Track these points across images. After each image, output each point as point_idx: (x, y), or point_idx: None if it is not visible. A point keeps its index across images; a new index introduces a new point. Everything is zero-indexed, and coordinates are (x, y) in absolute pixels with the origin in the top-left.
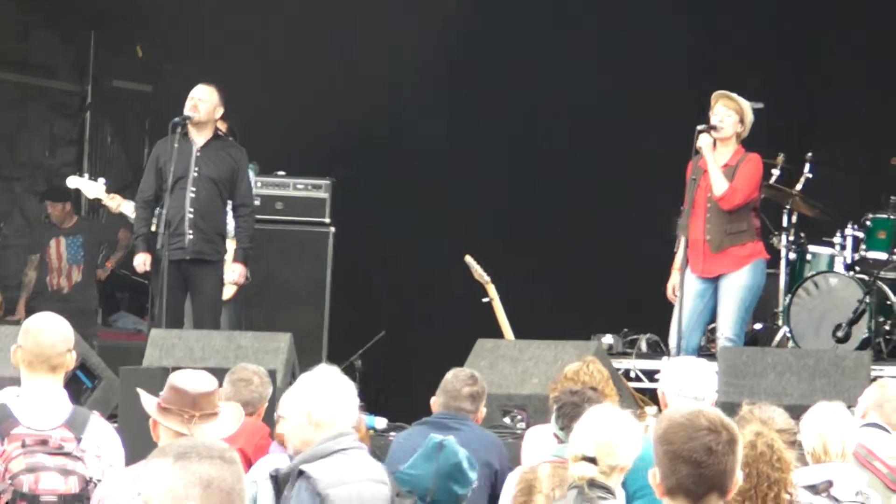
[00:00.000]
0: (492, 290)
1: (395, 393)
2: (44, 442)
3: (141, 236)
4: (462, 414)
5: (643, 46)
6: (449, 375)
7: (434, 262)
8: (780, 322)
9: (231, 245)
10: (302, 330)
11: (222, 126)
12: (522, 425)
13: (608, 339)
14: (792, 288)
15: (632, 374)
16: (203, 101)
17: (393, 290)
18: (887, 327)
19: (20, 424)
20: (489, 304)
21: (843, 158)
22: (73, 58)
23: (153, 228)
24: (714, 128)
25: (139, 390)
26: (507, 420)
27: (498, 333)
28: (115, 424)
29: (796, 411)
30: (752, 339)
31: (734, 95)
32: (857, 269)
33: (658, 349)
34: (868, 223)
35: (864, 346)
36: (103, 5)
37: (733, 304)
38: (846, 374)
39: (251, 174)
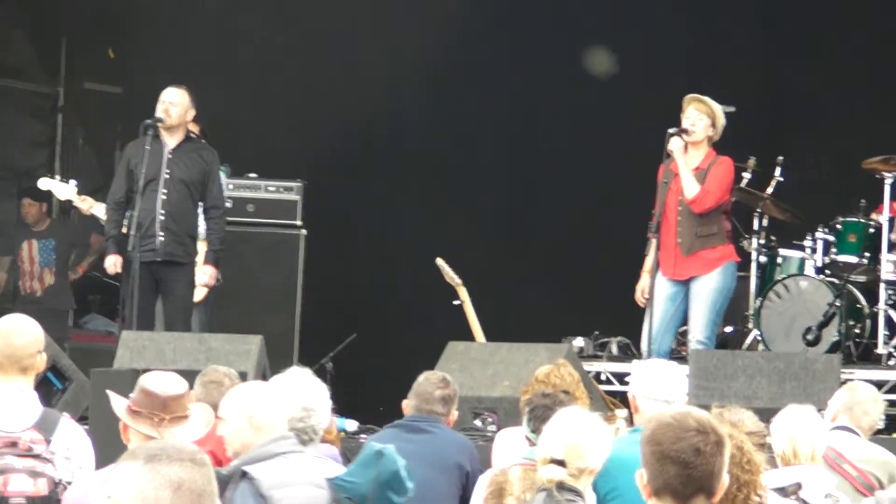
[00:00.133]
0: (463, 292)
1: (367, 395)
2: (13, 444)
3: (112, 238)
4: (434, 417)
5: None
6: (420, 378)
7: (405, 265)
8: (750, 325)
9: (202, 247)
10: (273, 332)
11: (194, 128)
12: (493, 428)
13: (579, 341)
14: (762, 291)
15: (602, 377)
16: (174, 105)
17: (364, 293)
18: (857, 330)
19: None
20: (460, 306)
21: (815, 162)
22: (45, 60)
23: (124, 230)
24: (685, 131)
25: (109, 393)
26: (477, 423)
27: (469, 336)
28: (86, 426)
29: (766, 414)
30: (722, 342)
31: (706, 99)
32: (828, 272)
33: (629, 352)
34: (838, 227)
35: (834, 349)
36: (74, 7)
37: (704, 307)
38: (816, 377)
39: (222, 176)
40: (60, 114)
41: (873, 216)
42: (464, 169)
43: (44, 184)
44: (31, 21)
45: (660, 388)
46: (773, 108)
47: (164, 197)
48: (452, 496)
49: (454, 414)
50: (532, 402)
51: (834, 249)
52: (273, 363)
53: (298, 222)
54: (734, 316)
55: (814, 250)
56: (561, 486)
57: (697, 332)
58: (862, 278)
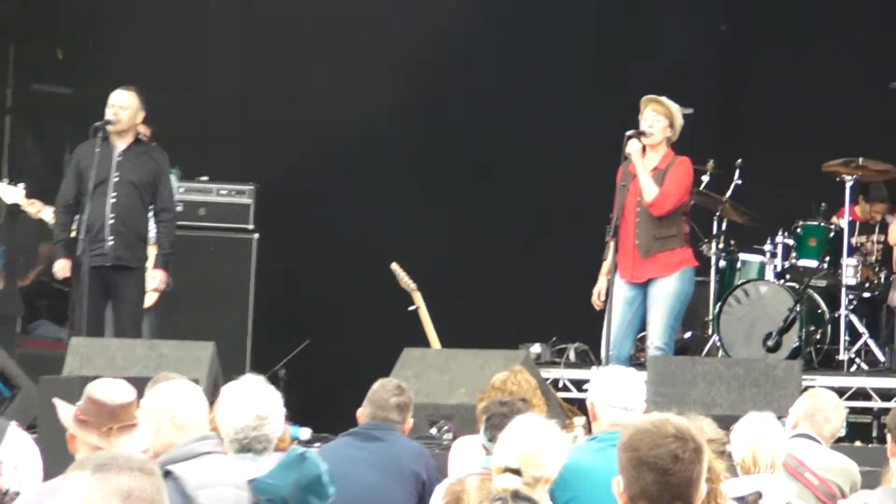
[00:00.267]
0: (418, 297)
1: (321, 403)
2: None
3: (61, 242)
4: (389, 424)
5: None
6: (375, 385)
7: (360, 269)
8: (709, 331)
9: (153, 251)
10: (225, 338)
11: (145, 129)
12: (449, 436)
13: (536, 348)
14: (722, 296)
15: (560, 384)
16: (123, 108)
17: (318, 298)
18: (818, 336)
19: None
20: (415, 312)
21: (774, 165)
22: None
23: (73, 234)
24: (643, 133)
25: (56, 401)
26: (433, 431)
27: (425, 342)
28: (35, 435)
29: (726, 421)
30: (681, 348)
31: (663, 99)
32: (788, 277)
33: (587, 358)
34: (799, 231)
35: (794, 355)
36: (22, 8)
37: (662, 312)
38: (777, 383)
39: (173, 179)
40: (8, 116)
41: (834, 220)
42: (420, 171)
43: None
44: None
45: (618, 395)
46: (731, 110)
47: (114, 200)
48: None
49: (410, 422)
50: (489, 410)
51: (794, 254)
52: (225, 370)
53: (251, 226)
54: (693, 321)
55: (774, 255)
56: (516, 496)
57: (656, 337)
58: (822, 283)
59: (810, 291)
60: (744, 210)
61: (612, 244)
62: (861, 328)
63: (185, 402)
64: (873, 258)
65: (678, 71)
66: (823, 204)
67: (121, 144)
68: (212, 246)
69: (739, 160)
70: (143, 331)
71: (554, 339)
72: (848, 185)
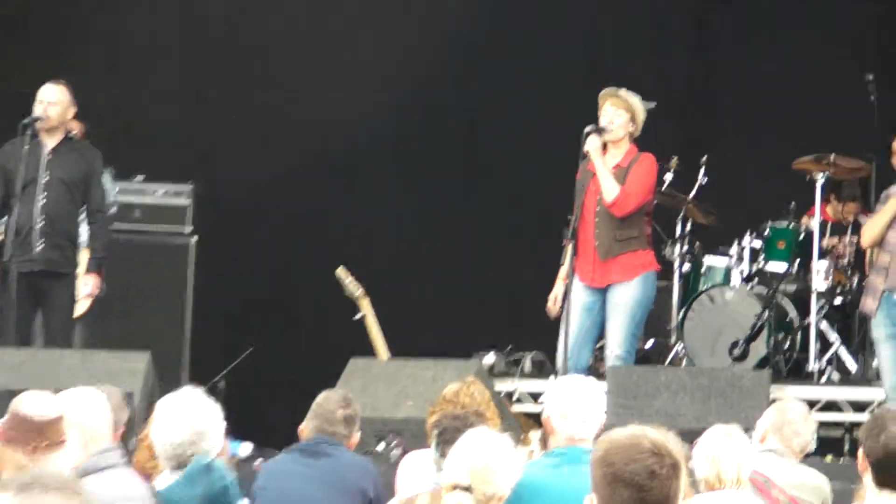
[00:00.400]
0: (366, 304)
1: (263, 416)
2: None
3: None
4: (335, 439)
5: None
6: (320, 398)
7: (304, 274)
8: (673, 339)
9: (85, 255)
10: (161, 348)
11: (76, 126)
12: (398, 451)
13: (490, 357)
14: (686, 302)
15: (515, 396)
16: (53, 104)
17: (261, 305)
18: (787, 344)
19: None
20: (362, 320)
21: (741, 162)
22: None
23: (0, 237)
24: (603, 129)
25: None
26: (381, 446)
27: (372, 352)
28: None
29: (690, 435)
30: (643, 357)
31: (624, 93)
32: (756, 281)
33: (544, 368)
34: (767, 232)
35: (762, 364)
36: None
37: (622, 319)
38: (743, 394)
39: (107, 179)
40: None
41: (804, 221)
42: (366, 173)
43: None
44: None
45: (576, 407)
46: (696, 104)
47: (44, 201)
48: None
49: (356, 436)
50: (441, 424)
51: (762, 257)
52: (161, 381)
53: (189, 228)
54: (655, 329)
55: (740, 258)
56: None
57: (616, 346)
58: (792, 288)
59: (779, 297)
60: (709, 210)
61: (569, 247)
62: (832, 336)
63: (91, 414)
64: (845, 261)
65: (641, 63)
66: (793, 204)
67: (50, 142)
68: (147, 249)
69: (704, 157)
70: (75, 341)
71: (509, 348)
72: (819, 183)
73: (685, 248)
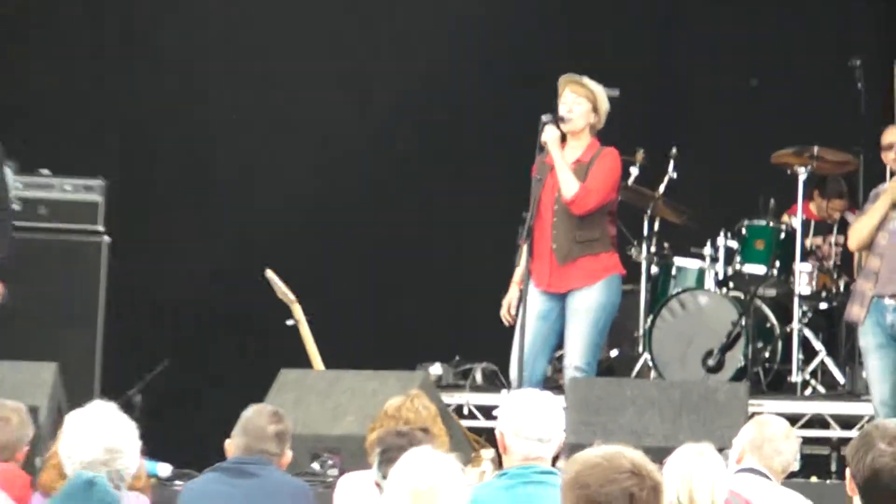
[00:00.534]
0: (298, 310)
1: (183, 434)
2: None
3: None
4: (264, 458)
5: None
6: (248, 412)
7: (229, 277)
8: (640, 348)
9: None
10: (70, 358)
11: None
12: (334, 472)
13: (437, 368)
14: (654, 308)
15: (465, 411)
16: None
17: (180, 310)
18: (767, 354)
19: None
20: (295, 327)
21: (715, 154)
22: None
23: None
24: (561, 118)
25: None
26: (315, 465)
27: (305, 362)
28: None
29: (659, 454)
30: (606, 369)
31: (584, 80)
32: (731, 285)
33: (496, 381)
34: (744, 231)
35: (739, 376)
36: None
37: (583, 326)
38: (718, 409)
39: (8, 173)
40: None
41: (785, 219)
42: (296, 166)
43: None
44: None
45: (530, 423)
46: (664, 90)
47: None
48: None
49: (288, 454)
50: (384, 442)
51: (738, 258)
52: (70, 395)
53: (100, 227)
54: (620, 337)
55: (715, 259)
56: None
57: (576, 356)
58: (772, 292)
59: (758, 302)
60: (679, 207)
61: (525, 248)
62: (817, 345)
63: None
64: (831, 263)
65: (601, 43)
66: (772, 200)
67: None
68: (55, 250)
69: (674, 149)
70: None
71: (457, 358)
72: (801, 178)
73: (653, 248)
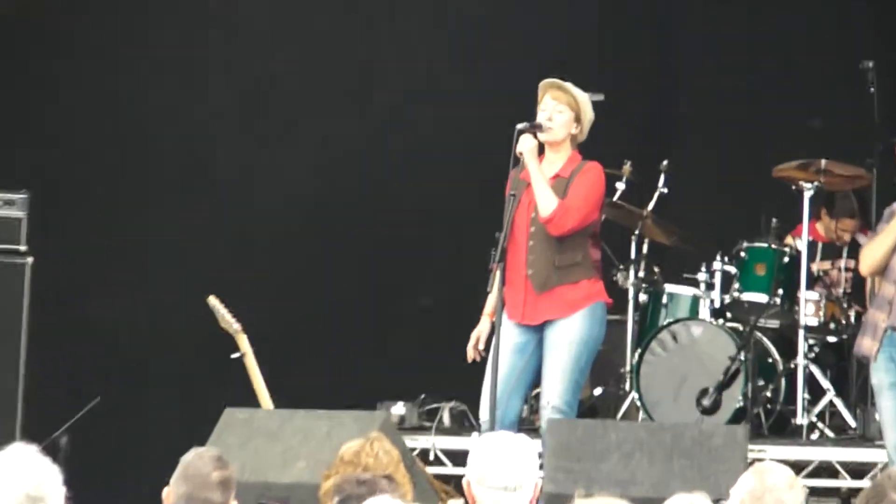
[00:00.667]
0: (243, 341)
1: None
2: None
3: None
4: None
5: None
6: (189, 456)
7: (168, 304)
8: (626, 386)
9: None
10: None
11: None
12: None
13: (399, 408)
14: (643, 341)
15: (431, 456)
16: None
17: (113, 342)
18: (768, 393)
19: None
20: (240, 360)
21: (711, 168)
22: None
23: None
24: (540, 127)
25: None
26: None
27: (252, 400)
28: None
29: None
30: (589, 409)
31: (567, 85)
32: (729, 315)
33: (465, 422)
34: (743, 255)
35: (737, 417)
36: None
37: (563, 362)
38: (714, 455)
39: None
40: None
41: (788, 241)
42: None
43: None
44: None
45: (497, 471)
46: (655, 97)
47: None
48: None
49: None
50: (342, 490)
51: (737, 285)
52: None
53: (23, 247)
54: (605, 373)
55: (710, 286)
56: None
57: (554, 395)
58: (774, 323)
59: (758, 334)
60: (671, 227)
61: (497, 273)
62: (825, 383)
63: None
64: (840, 291)
65: (585, 47)
66: (775, 220)
67: None
68: None
69: (665, 162)
70: None
71: (422, 396)
72: (807, 195)
73: (641, 274)
